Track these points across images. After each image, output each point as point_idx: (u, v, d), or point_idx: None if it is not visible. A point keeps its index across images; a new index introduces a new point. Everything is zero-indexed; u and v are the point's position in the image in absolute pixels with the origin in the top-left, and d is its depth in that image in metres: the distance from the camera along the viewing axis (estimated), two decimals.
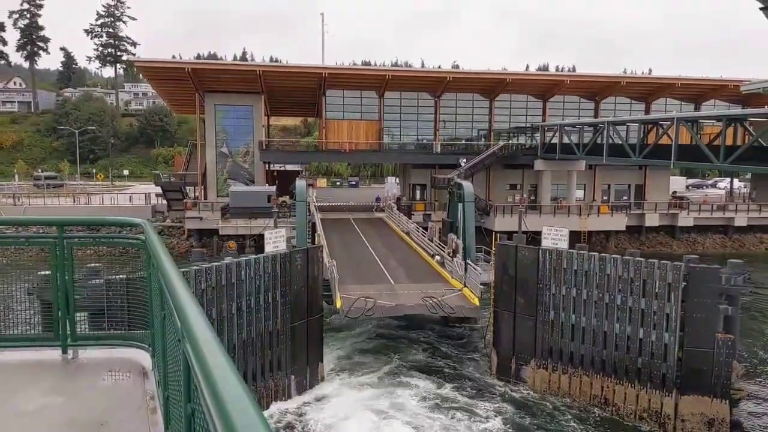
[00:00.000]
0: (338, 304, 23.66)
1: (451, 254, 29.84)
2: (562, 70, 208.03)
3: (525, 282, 23.23)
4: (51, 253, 5.55)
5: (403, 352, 26.48)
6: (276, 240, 21.79)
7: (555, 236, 22.69)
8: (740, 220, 58.38)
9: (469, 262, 27.27)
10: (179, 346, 2.49)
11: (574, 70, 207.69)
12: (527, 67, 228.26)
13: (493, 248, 25.55)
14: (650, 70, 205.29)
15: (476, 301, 24.51)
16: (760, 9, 18.14)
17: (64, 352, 5.60)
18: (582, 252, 21.82)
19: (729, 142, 36.04)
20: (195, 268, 18.63)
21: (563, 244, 22.43)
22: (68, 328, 5.62)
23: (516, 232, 27.55)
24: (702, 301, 19.32)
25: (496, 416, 20.71)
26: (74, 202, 59.24)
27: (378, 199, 55.59)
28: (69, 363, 5.49)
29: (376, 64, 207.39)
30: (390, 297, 24.87)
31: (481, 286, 25.19)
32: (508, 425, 20.14)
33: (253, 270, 20.52)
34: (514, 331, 23.49)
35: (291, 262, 21.92)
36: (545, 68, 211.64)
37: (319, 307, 23.83)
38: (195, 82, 51.17)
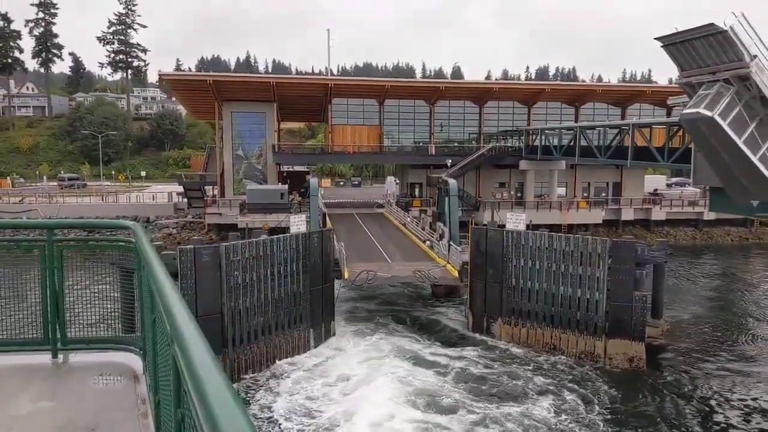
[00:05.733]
0: (346, 275, 29.88)
1: (438, 239, 36.05)
2: (561, 71, 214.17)
3: (493, 256, 29.35)
4: (40, 256, 5.49)
5: (398, 317, 32.57)
6: (298, 223, 28.07)
7: (515, 220, 28.88)
8: (709, 214, 62.80)
9: (452, 244, 33.39)
10: (169, 350, 2.46)
11: (574, 71, 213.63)
12: (527, 68, 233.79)
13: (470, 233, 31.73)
14: (650, 71, 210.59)
15: (455, 274, 30.69)
16: (662, 47, 23.97)
17: (55, 356, 5.53)
18: (535, 232, 28.03)
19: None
20: (241, 242, 24.89)
21: (522, 227, 28.60)
22: (58, 331, 5.55)
23: (500, 225, 33.70)
24: (623, 267, 25.43)
25: (472, 357, 26.82)
26: (103, 200, 65.50)
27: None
28: (59, 367, 5.41)
29: (377, 66, 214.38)
30: (387, 271, 31.09)
31: (465, 266, 31.25)
32: (481, 364, 26.21)
33: (282, 245, 26.71)
34: (485, 296, 29.63)
35: (310, 240, 28.10)
36: (545, 70, 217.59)
37: (331, 277, 29.92)
38: (215, 93, 56.90)
